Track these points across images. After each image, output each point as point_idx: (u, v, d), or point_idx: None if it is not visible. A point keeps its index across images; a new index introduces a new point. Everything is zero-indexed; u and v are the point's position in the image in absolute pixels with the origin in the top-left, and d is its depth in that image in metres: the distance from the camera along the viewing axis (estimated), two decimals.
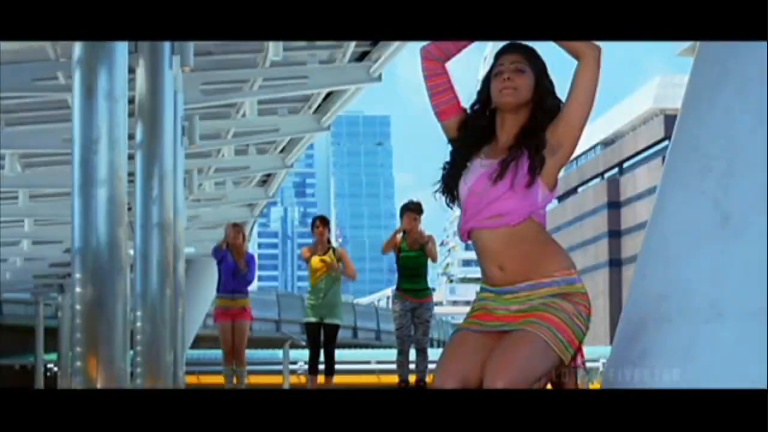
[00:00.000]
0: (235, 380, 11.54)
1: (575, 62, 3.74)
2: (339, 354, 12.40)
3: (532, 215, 3.71)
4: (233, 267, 11.36)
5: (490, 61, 3.92)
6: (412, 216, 10.11)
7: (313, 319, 10.80)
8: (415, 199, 10.43)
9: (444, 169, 3.87)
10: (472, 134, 3.84)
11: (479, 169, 3.76)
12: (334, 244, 11.09)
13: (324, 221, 11.06)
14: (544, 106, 3.77)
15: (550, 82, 3.81)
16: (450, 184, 3.84)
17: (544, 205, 3.74)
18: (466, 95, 3.97)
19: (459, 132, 3.87)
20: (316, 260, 10.81)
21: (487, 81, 3.84)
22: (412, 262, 10.11)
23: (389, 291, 76.53)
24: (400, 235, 10.14)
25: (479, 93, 3.87)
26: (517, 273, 3.71)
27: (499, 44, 3.91)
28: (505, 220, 3.69)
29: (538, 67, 3.80)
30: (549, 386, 3.75)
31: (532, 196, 3.70)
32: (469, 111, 3.89)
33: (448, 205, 3.87)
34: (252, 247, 11.92)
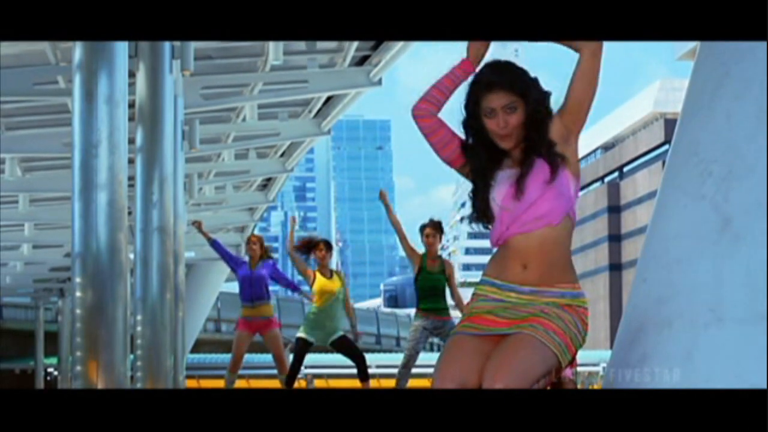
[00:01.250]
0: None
1: (573, 60, 3.74)
2: (338, 358, 12.32)
3: (568, 212, 3.73)
4: (248, 275, 11.38)
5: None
6: (432, 234, 10.05)
7: (306, 337, 10.81)
8: (436, 218, 10.34)
9: (471, 197, 3.82)
10: (484, 160, 3.79)
11: (505, 181, 3.75)
12: (333, 266, 11.12)
13: (328, 246, 11.04)
14: (539, 117, 3.73)
15: (537, 87, 3.76)
16: (482, 208, 3.80)
17: (576, 195, 3.76)
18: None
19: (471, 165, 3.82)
20: (326, 283, 10.80)
21: (474, 114, 3.75)
22: (430, 282, 10.05)
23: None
24: (421, 253, 10.09)
25: (471, 127, 3.78)
26: (536, 275, 3.71)
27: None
28: (546, 221, 3.70)
29: (526, 90, 3.73)
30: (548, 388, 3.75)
31: (563, 190, 3.72)
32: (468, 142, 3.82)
33: (486, 228, 3.81)
34: None
